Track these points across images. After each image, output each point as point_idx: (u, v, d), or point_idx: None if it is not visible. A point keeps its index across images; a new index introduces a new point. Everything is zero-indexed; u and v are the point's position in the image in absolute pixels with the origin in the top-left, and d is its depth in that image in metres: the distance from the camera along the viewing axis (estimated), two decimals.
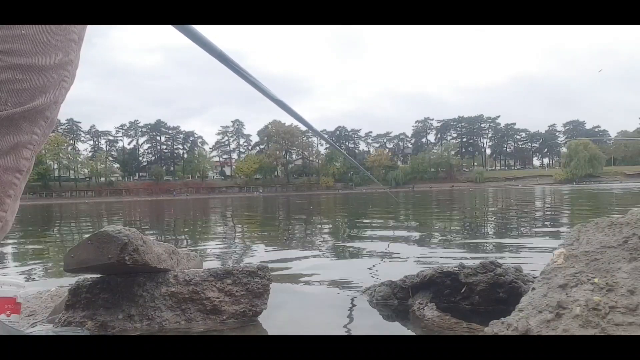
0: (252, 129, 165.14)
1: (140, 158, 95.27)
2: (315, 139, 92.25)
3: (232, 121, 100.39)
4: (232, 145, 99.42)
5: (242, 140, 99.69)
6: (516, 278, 1.57)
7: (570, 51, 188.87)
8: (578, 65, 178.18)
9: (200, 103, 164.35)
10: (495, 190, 34.07)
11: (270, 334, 1.48)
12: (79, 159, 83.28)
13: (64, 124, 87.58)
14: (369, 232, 5.13)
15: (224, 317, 1.56)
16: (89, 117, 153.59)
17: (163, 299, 1.53)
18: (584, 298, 0.82)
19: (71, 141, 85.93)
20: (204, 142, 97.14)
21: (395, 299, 1.75)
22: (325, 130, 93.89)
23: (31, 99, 0.67)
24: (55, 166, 78.33)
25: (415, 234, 4.77)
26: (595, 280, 0.86)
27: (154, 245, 1.54)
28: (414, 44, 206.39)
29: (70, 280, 2.36)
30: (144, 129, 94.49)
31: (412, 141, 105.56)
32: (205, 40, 1.03)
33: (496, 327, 0.87)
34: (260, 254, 3.58)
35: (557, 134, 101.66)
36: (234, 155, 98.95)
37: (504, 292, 1.56)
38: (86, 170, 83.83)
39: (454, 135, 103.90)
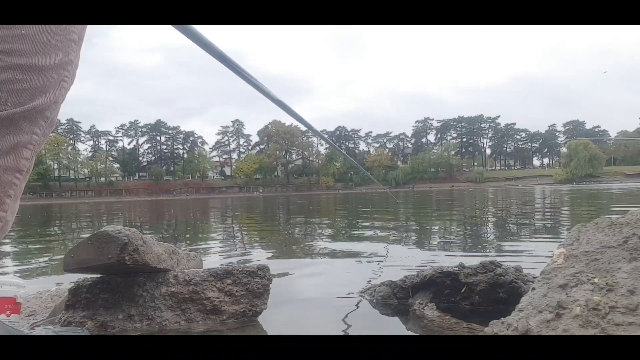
0: (252, 129, 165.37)
1: (140, 158, 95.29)
2: (315, 139, 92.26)
3: (232, 121, 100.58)
4: (232, 145, 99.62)
5: (242, 140, 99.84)
6: (516, 278, 1.57)
7: (570, 51, 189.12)
8: (578, 65, 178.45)
9: (200, 103, 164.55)
10: (495, 190, 34.07)
11: (270, 334, 1.48)
12: (79, 159, 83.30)
13: (64, 124, 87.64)
14: (369, 232, 5.12)
15: (224, 317, 1.56)
16: (89, 117, 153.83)
17: (163, 299, 1.53)
18: (584, 298, 0.82)
19: (71, 141, 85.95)
20: (204, 142, 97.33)
21: (395, 298, 1.75)
22: (325, 130, 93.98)
23: (31, 99, 0.67)
24: (55, 166, 78.35)
25: (415, 234, 4.77)
26: (595, 280, 0.86)
27: (154, 245, 1.54)
28: (414, 44, 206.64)
29: (70, 280, 2.37)
30: (144, 129, 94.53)
31: (412, 141, 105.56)
32: (205, 41, 1.03)
33: (496, 327, 0.87)
34: (260, 253, 3.58)
35: (557, 134, 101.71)
36: (234, 155, 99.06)
37: (504, 292, 1.56)
38: (86, 170, 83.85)
39: (454, 135, 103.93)
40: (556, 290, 0.89)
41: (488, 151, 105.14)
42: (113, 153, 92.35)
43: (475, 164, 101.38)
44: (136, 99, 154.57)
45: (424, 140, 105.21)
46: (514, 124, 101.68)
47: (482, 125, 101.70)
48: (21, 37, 0.64)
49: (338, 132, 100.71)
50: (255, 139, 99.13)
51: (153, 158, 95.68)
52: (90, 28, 0.81)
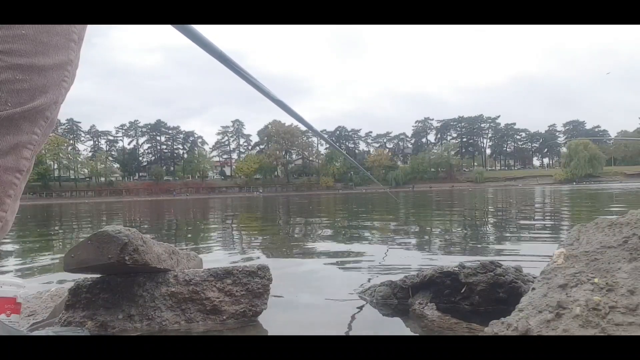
0: (252, 129, 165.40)
1: (140, 158, 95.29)
2: (315, 139, 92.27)
3: (232, 121, 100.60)
4: (232, 145, 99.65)
5: (242, 140, 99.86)
6: (516, 278, 1.57)
7: (570, 51, 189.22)
8: (578, 65, 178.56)
9: (200, 103, 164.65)
10: (495, 191, 34.07)
11: (270, 334, 1.48)
12: (79, 159, 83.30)
13: (64, 124, 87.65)
14: (369, 233, 5.13)
15: (224, 317, 1.56)
16: (89, 117, 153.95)
17: (163, 299, 1.53)
18: (584, 298, 0.82)
19: (71, 141, 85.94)
20: (204, 142, 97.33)
21: (395, 298, 1.75)
22: (325, 130, 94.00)
23: (31, 99, 0.67)
24: (55, 166, 78.35)
25: (415, 234, 4.77)
26: (595, 280, 0.86)
27: (154, 245, 1.54)
28: (414, 44, 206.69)
29: (70, 280, 2.37)
30: (144, 129, 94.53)
31: (412, 141, 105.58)
32: (205, 41, 1.03)
33: (496, 327, 0.87)
34: (260, 253, 3.58)
35: (557, 134, 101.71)
36: (234, 155, 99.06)
37: (504, 292, 1.56)
38: (86, 170, 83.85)
39: (454, 135, 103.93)
40: (556, 290, 0.89)
41: (488, 151, 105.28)
42: (113, 153, 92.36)
43: (475, 164, 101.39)
44: (136, 99, 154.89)
45: (424, 140, 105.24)
46: (514, 124, 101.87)
47: (482, 125, 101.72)
48: (21, 37, 0.64)
49: (338, 132, 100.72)
50: (255, 139, 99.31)
51: (153, 158, 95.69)
52: (90, 28, 0.81)
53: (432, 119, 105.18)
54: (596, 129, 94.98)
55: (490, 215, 7.61)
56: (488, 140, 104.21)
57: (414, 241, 4.11)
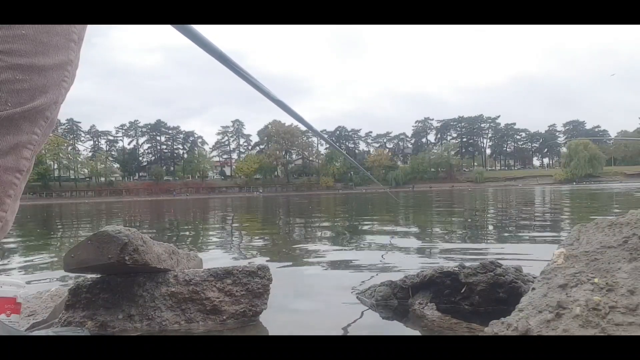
0: (252, 129, 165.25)
1: (140, 158, 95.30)
2: (315, 139, 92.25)
3: (232, 121, 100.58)
4: (232, 145, 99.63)
5: (242, 140, 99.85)
6: (516, 278, 1.57)
7: (570, 51, 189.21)
8: (578, 65, 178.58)
9: (200, 103, 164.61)
10: (495, 191, 34.07)
11: (270, 334, 1.48)
12: (79, 159, 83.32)
13: (64, 124, 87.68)
14: (368, 233, 5.13)
15: (224, 317, 1.56)
16: (89, 117, 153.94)
17: (163, 299, 1.53)
18: (584, 298, 0.82)
19: (71, 141, 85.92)
20: (204, 142, 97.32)
21: (395, 299, 1.75)
22: (325, 130, 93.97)
23: (31, 99, 0.67)
24: (55, 166, 78.36)
25: (415, 234, 4.77)
26: (595, 280, 0.86)
27: (154, 245, 1.54)
28: (414, 44, 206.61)
29: (70, 279, 2.37)
30: (144, 129, 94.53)
31: (412, 141, 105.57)
32: (205, 41, 1.03)
33: (496, 327, 0.87)
34: (260, 253, 3.58)
35: (557, 134, 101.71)
36: (234, 155, 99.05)
37: (504, 292, 1.56)
38: (86, 170, 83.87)
39: (454, 135, 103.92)
40: (556, 290, 0.89)
41: (488, 151, 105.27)
42: (113, 153, 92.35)
43: (475, 164, 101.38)
44: (136, 99, 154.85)
45: (424, 140, 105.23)
46: (514, 124, 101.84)
47: (482, 125, 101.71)
48: (21, 37, 0.64)
49: (338, 132, 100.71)
50: (255, 139, 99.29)
51: (153, 158, 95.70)
52: (90, 28, 0.81)
53: (432, 119, 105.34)
54: (596, 129, 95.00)
55: (490, 216, 7.61)
56: (488, 140, 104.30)
57: (414, 241, 4.11)
